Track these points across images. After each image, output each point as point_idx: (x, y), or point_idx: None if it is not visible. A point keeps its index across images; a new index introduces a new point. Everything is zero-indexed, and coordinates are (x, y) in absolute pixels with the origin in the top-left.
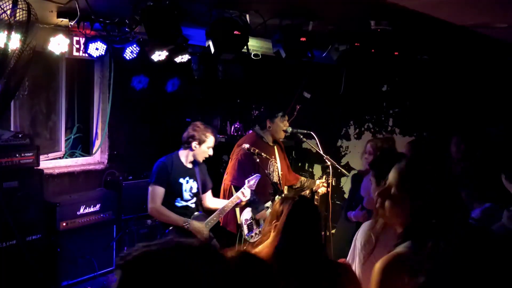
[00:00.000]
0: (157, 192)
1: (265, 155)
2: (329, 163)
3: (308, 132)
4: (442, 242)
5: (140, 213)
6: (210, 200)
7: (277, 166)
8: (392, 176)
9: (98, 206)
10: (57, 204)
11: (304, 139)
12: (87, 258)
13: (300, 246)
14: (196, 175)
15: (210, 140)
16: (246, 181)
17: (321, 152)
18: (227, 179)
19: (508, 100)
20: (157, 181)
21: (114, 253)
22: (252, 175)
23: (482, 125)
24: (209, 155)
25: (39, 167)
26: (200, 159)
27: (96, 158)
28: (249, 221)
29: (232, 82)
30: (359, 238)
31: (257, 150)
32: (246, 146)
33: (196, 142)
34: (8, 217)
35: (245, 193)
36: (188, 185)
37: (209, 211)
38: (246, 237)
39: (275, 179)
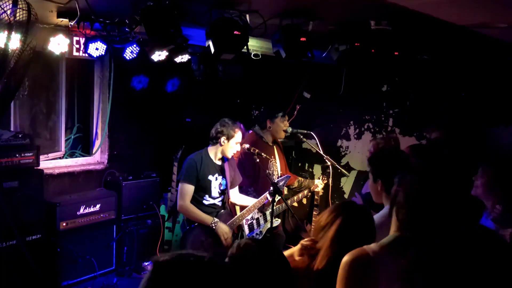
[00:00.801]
0: (186, 189)
1: (265, 155)
2: (329, 163)
3: (308, 132)
4: (424, 253)
5: (140, 213)
6: (236, 196)
7: (276, 166)
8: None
9: (98, 206)
10: (57, 204)
11: (304, 139)
12: (87, 258)
13: None
14: (225, 172)
15: (238, 135)
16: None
17: (321, 152)
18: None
19: (508, 100)
20: (186, 179)
21: (114, 253)
22: (281, 177)
23: (482, 125)
24: (237, 151)
25: (39, 167)
26: (229, 154)
27: (96, 158)
28: (250, 221)
29: (232, 82)
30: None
31: (257, 150)
32: (246, 146)
33: (225, 137)
34: (8, 217)
35: (268, 196)
36: (217, 182)
37: (234, 207)
38: (248, 237)
39: (275, 178)
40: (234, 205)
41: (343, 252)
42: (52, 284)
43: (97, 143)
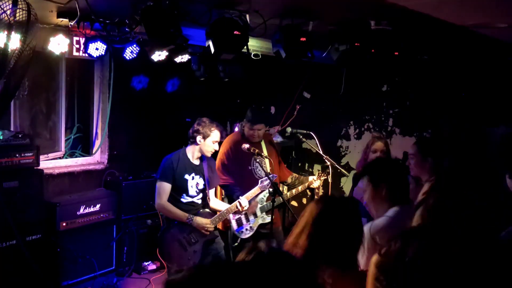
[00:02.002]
0: (163, 188)
1: (265, 155)
2: (329, 163)
3: (308, 132)
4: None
5: (140, 213)
6: (212, 200)
7: (264, 162)
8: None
9: (98, 206)
10: (57, 204)
11: (304, 139)
12: (87, 258)
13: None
14: (203, 171)
15: (214, 134)
16: (259, 181)
17: (321, 152)
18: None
19: (508, 100)
20: (163, 177)
21: (114, 253)
22: (264, 177)
23: (482, 125)
24: (215, 150)
25: (39, 167)
26: (207, 153)
27: (96, 158)
28: (237, 216)
29: (232, 82)
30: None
31: (257, 150)
32: (246, 146)
33: (201, 137)
34: (8, 217)
35: (242, 203)
36: (194, 181)
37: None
38: (236, 233)
39: (262, 174)
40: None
41: (320, 245)
42: (52, 284)
43: (97, 143)
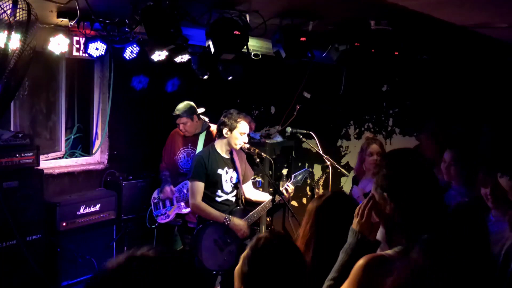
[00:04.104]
0: (196, 187)
1: (265, 155)
2: (329, 163)
3: (308, 132)
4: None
5: (140, 213)
6: (251, 192)
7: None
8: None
9: (98, 206)
10: (57, 204)
11: (304, 139)
12: (87, 258)
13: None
14: (235, 164)
15: (241, 125)
16: (293, 176)
17: (321, 152)
18: None
19: (508, 100)
20: (195, 176)
21: (114, 253)
22: (299, 171)
23: (482, 125)
24: (244, 142)
25: (39, 167)
26: (235, 146)
27: (96, 158)
28: (155, 200)
29: (232, 82)
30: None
31: (257, 150)
32: (247, 146)
33: (227, 129)
34: (8, 217)
35: (289, 190)
36: (228, 176)
37: (250, 203)
38: (154, 215)
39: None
40: (249, 201)
41: (325, 241)
42: (52, 284)
43: (97, 143)
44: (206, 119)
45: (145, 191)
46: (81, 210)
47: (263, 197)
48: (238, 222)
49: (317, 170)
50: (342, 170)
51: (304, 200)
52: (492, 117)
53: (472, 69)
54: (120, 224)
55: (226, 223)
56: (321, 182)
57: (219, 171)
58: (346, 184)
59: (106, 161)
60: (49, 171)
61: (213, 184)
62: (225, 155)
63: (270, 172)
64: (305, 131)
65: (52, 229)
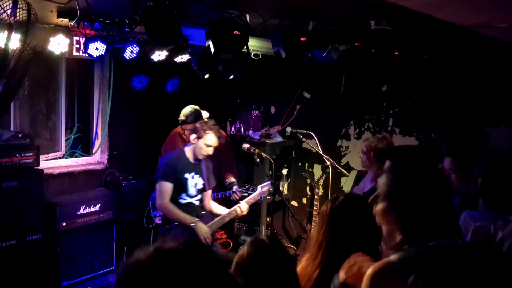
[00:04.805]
0: (165, 187)
1: (265, 155)
2: (328, 163)
3: (308, 132)
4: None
5: (140, 213)
6: (210, 202)
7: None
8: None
9: (98, 206)
10: (57, 204)
11: (304, 139)
12: (87, 258)
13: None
14: (202, 171)
15: (208, 138)
16: (259, 187)
17: (321, 152)
18: None
19: (508, 100)
20: (164, 177)
21: (114, 253)
22: (266, 181)
23: (482, 125)
24: (208, 154)
25: (39, 167)
26: (199, 156)
27: (96, 158)
28: (154, 200)
29: (232, 82)
30: None
31: (257, 150)
32: (247, 146)
33: (195, 136)
34: (8, 217)
35: (242, 208)
36: (194, 181)
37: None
38: (152, 215)
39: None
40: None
41: (339, 243)
42: (52, 284)
43: (97, 143)
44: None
45: (145, 191)
46: (81, 210)
47: (219, 209)
48: (204, 228)
49: (317, 170)
50: (342, 170)
51: (304, 200)
52: (492, 117)
53: (472, 69)
54: (120, 224)
55: (193, 225)
56: (321, 182)
57: (186, 175)
58: (346, 184)
59: (106, 161)
60: (49, 171)
61: (179, 187)
62: (193, 161)
63: (270, 172)
64: (305, 131)
65: (52, 229)
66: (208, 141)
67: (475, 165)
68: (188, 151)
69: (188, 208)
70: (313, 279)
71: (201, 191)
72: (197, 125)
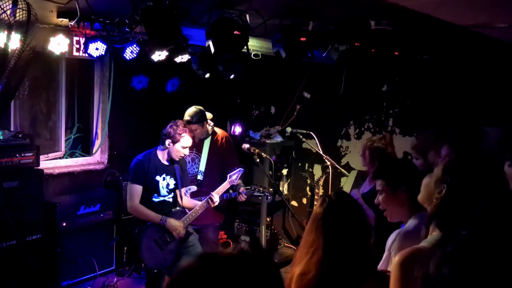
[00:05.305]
0: (135, 190)
1: (265, 155)
2: (328, 163)
3: (308, 132)
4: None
5: None
6: (184, 198)
7: (199, 160)
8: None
9: (98, 206)
10: (57, 204)
11: (304, 139)
12: (87, 258)
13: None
14: (175, 172)
15: (184, 140)
16: (228, 176)
17: (321, 152)
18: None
19: (508, 100)
20: (134, 179)
21: (114, 253)
22: (234, 170)
23: (482, 125)
24: (184, 155)
25: (39, 167)
26: (175, 158)
27: (96, 158)
28: None
29: (232, 82)
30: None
31: (257, 150)
32: (247, 146)
33: (170, 141)
34: (8, 217)
35: (214, 199)
36: (165, 182)
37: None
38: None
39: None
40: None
41: (332, 247)
42: (52, 284)
43: (97, 143)
44: (211, 124)
45: None
46: (81, 210)
47: (192, 204)
48: (174, 223)
49: (317, 170)
50: (342, 170)
51: (304, 200)
52: (492, 117)
53: (472, 69)
54: (120, 224)
55: (162, 223)
56: (321, 182)
57: (157, 177)
58: (346, 184)
59: (106, 161)
60: (49, 171)
61: (150, 188)
62: (165, 162)
63: (270, 172)
64: (305, 131)
65: (52, 229)
66: (185, 143)
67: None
68: (160, 154)
69: (162, 205)
70: (307, 280)
71: (173, 190)
72: (170, 130)
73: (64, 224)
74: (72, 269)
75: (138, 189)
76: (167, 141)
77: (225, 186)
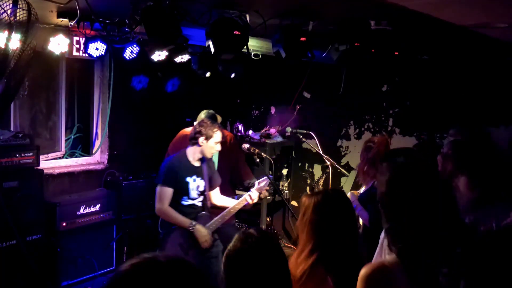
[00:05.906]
0: (165, 192)
1: (265, 155)
2: (328, 163)
3: (308, 132)
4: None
5: (140, 213)
6: (217, 198)
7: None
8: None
9: (98, 206)
10: (57, 204)
11: (304, 139)
12: (87, 258)
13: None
14: (203, 173)
15: (217, 135)
16: (256, 182)
17: (321, 152)
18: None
19: (508, 100)
20: (165, 182)
21: (114, 253)
22: (262, 177)
23: (482, 125)
24: (217, 150)
25: (39, 167)
26: (208, 155)
27: (96, 158)
28: None
29: (232, 82)
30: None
31: (257, 150)
32: (247, 146)
33: (203, 138)
34: (8, 217)
35: (252, 196)
36: (195, 184)
37: (216, 208)
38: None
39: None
40: (215, 206)
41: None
42: (52, 284)
43: (97, 143)
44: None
45: (145, 191)
46: (81, 210)
47: (228, 202)
48: (202, 230)
49: (317, 170)
50: (342, 170)
51: None
52: (492, 117)
53: (472, 69)
54: (120, 224)
55: (191, 229)
56: (321, 182)
57: (187, 179)
58: (346, 184)
59: (106, 161)
60: (49, 171)
61: (181, 191)
62: (195, 163)
63: (270, 172)
64: (305, 131)
65: (52, 229)
66: (218, 138)
67: None
68: (191, 154)
69: (190, 209)
70: (304, 269)
71: (202, 193)
72: (201, 128)
73: (64, 224)
74: (72, 269)
75: (168, 191)
76: (201, 139)
77: (254, 192)
